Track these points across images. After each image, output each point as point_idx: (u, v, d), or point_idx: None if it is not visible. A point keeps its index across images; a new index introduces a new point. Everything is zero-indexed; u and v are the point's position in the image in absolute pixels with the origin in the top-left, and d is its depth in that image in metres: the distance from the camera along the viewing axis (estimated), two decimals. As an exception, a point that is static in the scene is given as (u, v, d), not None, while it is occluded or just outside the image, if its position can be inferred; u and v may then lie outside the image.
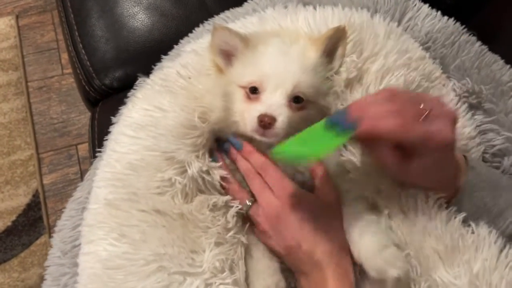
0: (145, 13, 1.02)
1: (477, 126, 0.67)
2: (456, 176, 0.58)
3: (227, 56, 0.65)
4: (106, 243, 0.61)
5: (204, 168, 0.63)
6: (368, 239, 0.57)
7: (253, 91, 0.61)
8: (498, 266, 0.54)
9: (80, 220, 0.70)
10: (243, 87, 0.62)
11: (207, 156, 0.64)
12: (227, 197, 0.64)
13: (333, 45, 0.64)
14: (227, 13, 0.86)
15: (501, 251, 0.55)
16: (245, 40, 0.63)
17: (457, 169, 0.58)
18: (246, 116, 0.61)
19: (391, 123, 0.49)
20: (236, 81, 0.63)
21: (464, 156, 0.61)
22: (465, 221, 0.57)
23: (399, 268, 0.54)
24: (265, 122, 0.58)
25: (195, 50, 0.72)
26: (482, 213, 0.58)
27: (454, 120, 0.53)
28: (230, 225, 0.62)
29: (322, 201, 0.61)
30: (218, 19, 0.85)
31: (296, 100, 0.61)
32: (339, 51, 0.65)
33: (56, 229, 0.75)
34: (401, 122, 0.49)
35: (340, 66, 0.65)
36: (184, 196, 0.63)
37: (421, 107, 0.51)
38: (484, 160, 0.68)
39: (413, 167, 0.53)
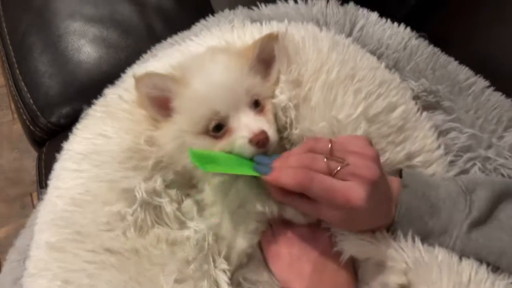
0: (91, 46, 0.98)
1: (439, 125, 0.65)
2: (386, 214, 0.55)
3: (162, 103, 0.58)
4: (50, 293, 0.54)
5: (157, 188, 0.58)
6: None
7: (218, 128, 0.56)
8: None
9: (23, 272, 0.63)
10: (202, 133, 0.56)
11: (159, 181, 0.59)
12: (189, 232, 0.58)
13: (267, 53, 0.60)
14: (175, 37, 0.83)
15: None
16: (176, 79, 0.58)
17: (388, 202, 0.55)
18: (229, 150, 0.56)
19: (290, 178, 0.50)
20: (190, 128, 0.56)
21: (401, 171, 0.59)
22: None
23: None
24: (262, 140, 0.54)
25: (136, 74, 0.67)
26: (426, 235, 0.54)
27: (371, 182, 0.49)
28: (190, 257, 0.56)
29: None
30: (166, 44, 0.83)
31: (256, 105, 0.58)
32: (276, 61, 0.61)
33: (-5, 285, 0.67)
34: (302, 178, 0.49)
35: (277, 83, 0.61)
36: (138, 229, 0.58)
37: (336, 162, 0.50)
38: (451, 165, 0.65)
39: (324, 216, 0.53)
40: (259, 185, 0.57)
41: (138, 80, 0.57)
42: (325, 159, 0.50)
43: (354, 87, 0.61)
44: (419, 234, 0.54)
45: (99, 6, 1.01)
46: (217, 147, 0.56)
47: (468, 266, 0.53)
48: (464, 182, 0.57)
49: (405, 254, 0.54)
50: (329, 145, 0.51)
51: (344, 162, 0.50)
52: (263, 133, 0.54)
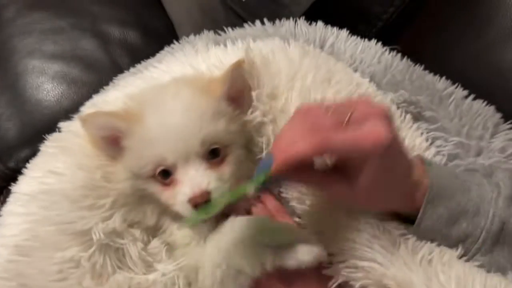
0: (51, 83, 0.93)
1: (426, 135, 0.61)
2: (412, 181, 0.49)
3: (115, 141, 0.53)
4: None
5: (118, 228, 0.52)
6: None
7: (165, 174, 0.51)
8: None
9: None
10: (151, 177, 0.51)
11: (119, 220, 0.53)
12: (155, 275, 0.52)
13: (239, 84, 0.55)
14: (138, 66, 0.79)
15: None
16: (127, 115, 0.52)
17: (412, 170, 0.49)
18: (172, 202, 0.51)
19: (302, 145, 0.41)
20: (137, 170, 0.51)
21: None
22: None
23: None
24: (200, 204, 0.48)
25: (94, 104, 0.63)
26: (458, 215, 0.48)
27: (385, 116, 0.42)
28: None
29: None
30: (129, 74, 0.78)
31: (214, 154, 0.51)
32: (246, 91, 0.56)
33: None
34: (316, 139, 0.41)
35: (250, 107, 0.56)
36: (97, 276, 0.51)
37: (342, 113, 0.43)
38: None
39: (361, 187, 0.44)
40: (249, 236, 0.49)
41: (84, 121, 0.53)
42: (329, 114, 0.43)
43: (333, 90, 0.57)
44: (450, 216, 0.48)
45: (60, 43, 0.98)
46: (164, 196, 0.51)
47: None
48: (479, 167, 0.53)
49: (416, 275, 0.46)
50: (324, 106, 0.45)
51: (349, 110, 0.43)
52: (205, 195, 0.48)
